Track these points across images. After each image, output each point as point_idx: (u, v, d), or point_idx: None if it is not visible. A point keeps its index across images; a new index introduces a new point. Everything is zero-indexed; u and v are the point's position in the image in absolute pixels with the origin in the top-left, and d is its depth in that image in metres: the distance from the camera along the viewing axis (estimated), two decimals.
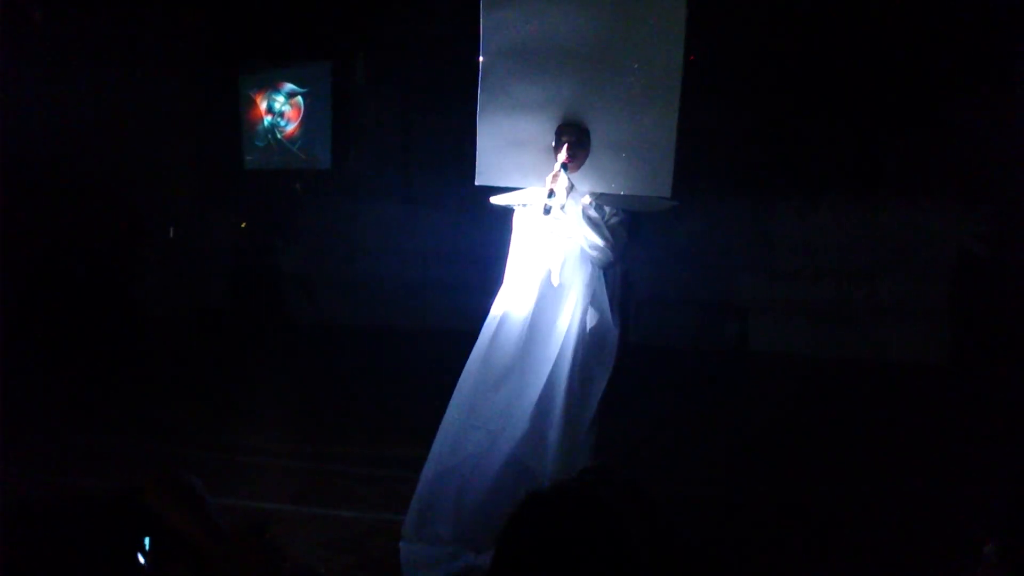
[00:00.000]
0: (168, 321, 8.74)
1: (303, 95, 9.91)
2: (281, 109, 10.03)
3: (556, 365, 3.31)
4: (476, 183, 3.48)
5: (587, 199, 3.35)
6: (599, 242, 3.31)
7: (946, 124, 8.54)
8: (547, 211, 3.17)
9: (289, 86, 9.97)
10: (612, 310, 3.43)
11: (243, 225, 9.73)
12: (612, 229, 3.34)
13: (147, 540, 1.62)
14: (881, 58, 8.40)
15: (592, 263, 3.38)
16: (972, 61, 8.16)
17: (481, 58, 3.32)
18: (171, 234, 9.54)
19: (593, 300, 3.39)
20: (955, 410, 6.07)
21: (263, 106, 10.12)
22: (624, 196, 3.39)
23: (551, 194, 3.18)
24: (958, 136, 8.47)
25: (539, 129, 3.36)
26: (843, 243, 7.67)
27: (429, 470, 3.37)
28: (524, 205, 3.47)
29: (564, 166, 3.24)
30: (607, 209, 3.36)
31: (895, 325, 7.43)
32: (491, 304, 3.49)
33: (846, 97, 8.60)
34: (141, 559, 1.61)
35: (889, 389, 6.66)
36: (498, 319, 3.42)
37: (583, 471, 1.70)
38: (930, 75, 8.34)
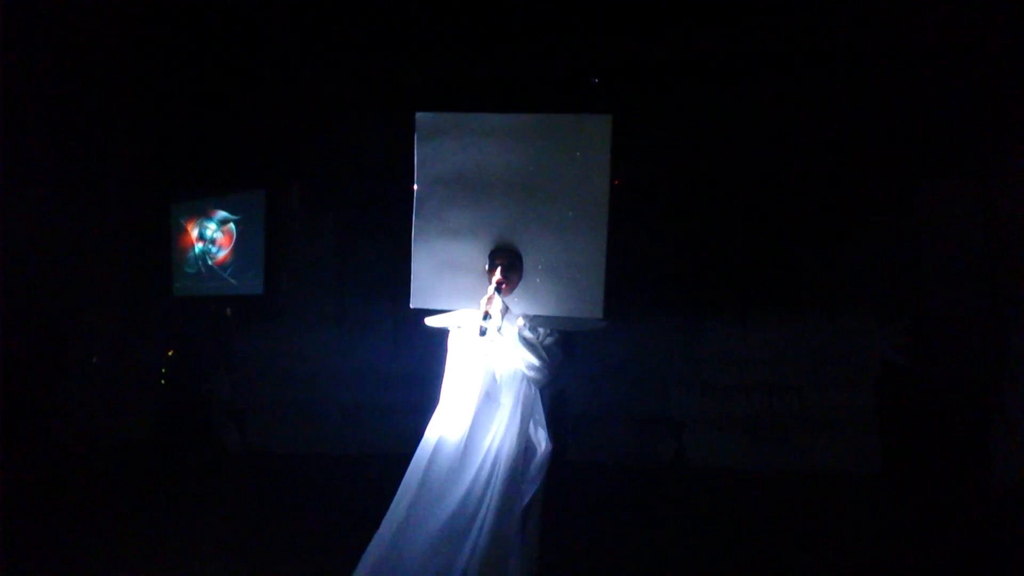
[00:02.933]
0: (91, 456, 8.39)
1: (235, 222, 9.95)
2: (213, 236, 10.04)
3: (494, 484, 3.30)
4: (411, 306, 3.54)
5: (521, 320, 3.43)
6: (535, 362, 3.37)
7: (862, 242, 9.02)
8: (483, 332, 3.24)
9: (221, 213, 10.02)
10: (548, 426, 3.46)
11: (171, 353, 9.53)
12: (547, 349, 3.41)
13: None
14: (799, 182, 8.90)
15: (528, 381, 3.43)
16: (886, 183, 8.71)
17: (416, 186, 3.44)
18: (95, 363, 9.27)
19: (529, 418, 3.42)
20: (887, 518, 6.16)
21: (194, 233, 10.12)
22: (557, 317, 3.47)
23: (487, 316, 3.24)
24: (874, 253, 8.94)
25: (473, 253, 3.46)
26: (770, 357, 7.87)
27: None
28: (459, 327, 3.53)
29: (498, 289, 3.32)
30: (541, 330, 3.44)
31: (825, 435, 7.57)
32: (427, 425, 3.49)
33: (767, 219, 9.04)
34: None
35: (822, 500, 6.73)
36: (434, 440, 3.41)
37: None
38: (846, 197, 8.85)
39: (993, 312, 8.23)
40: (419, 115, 3.41)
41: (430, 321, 3.61)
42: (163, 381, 9.36)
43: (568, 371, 7.57)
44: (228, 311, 9.77)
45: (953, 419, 7.45)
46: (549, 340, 3.43)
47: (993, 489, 6.69)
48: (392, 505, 3.36)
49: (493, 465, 3.33)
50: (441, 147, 3.40)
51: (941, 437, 7.35)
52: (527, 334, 3.40)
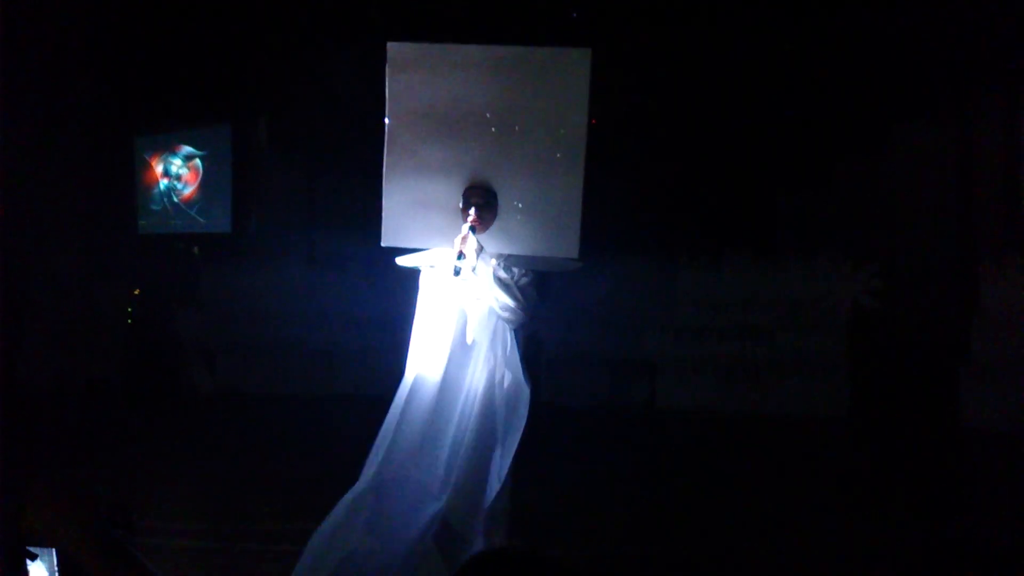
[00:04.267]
0: (56, 395, 8.27)
1: (202, 158, 9.72)
2: (178, 172, 9.81)
3: (469, 426, 3.26)
4: (382, 244, 3.43)
5: (495, 260, 3.34)
6: (510, 303, 3.30)
7: (836, 187, 9.03)
8: (457, 272, 3.16)
9: (187, 148, 9.77)
10: (524, 368, 3.40)
11: (137, 292, 9.36)
12: (522, 289, 3.33)
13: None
14: (775, 126, 8.83)
15: (502, 323, 3.36)
16: (860, 129, 8.67)
17: (387, 120, 3.30)
18: (59, 302, 9.08)
19: (505, 359, 3.36)
20: (855, 459, 6.25)
21: (159, 169, 9.88)
22: (532, 257, 3.40)
23: (461, 256, 3.15)
24: (847, 198, 8.96)
25: (446, 191, 3.34)
26: (744, 301, 7.89)
27: (319, 540, 3.23)
28: (432, 266, 3.44)
29: (472, 228, 3.22)
30: (516, 270, 3.36)
31: (796, 378, 7.64)
32: (400, 368, 3.42)
33: (743, 162, 8.99)
34: None
35: (792, 441, 6.81)
36: (410, 384, 3.35)
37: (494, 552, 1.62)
38: (820, 142, 8.82)
39: (963, 257, 8.30)
40: (391, 45, 3.25)
41: (402, 260, 3.51)
42: (129, 321, 9.21)
43: (542, 312, 7.54)
44: (196, 249, 9.59)
45: (922, 362, 7.54)
46: (524, 280, 3.35)
47: (959, 431, 6.81)
48: (372, 451, 3.30)
49: (468, 408, 3.28)
50: (413, 79, 3.26)
51: (910, 380, 7.44)
52: (502, 274, 3.31)
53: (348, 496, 3.26)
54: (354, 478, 3.31)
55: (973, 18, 7.97)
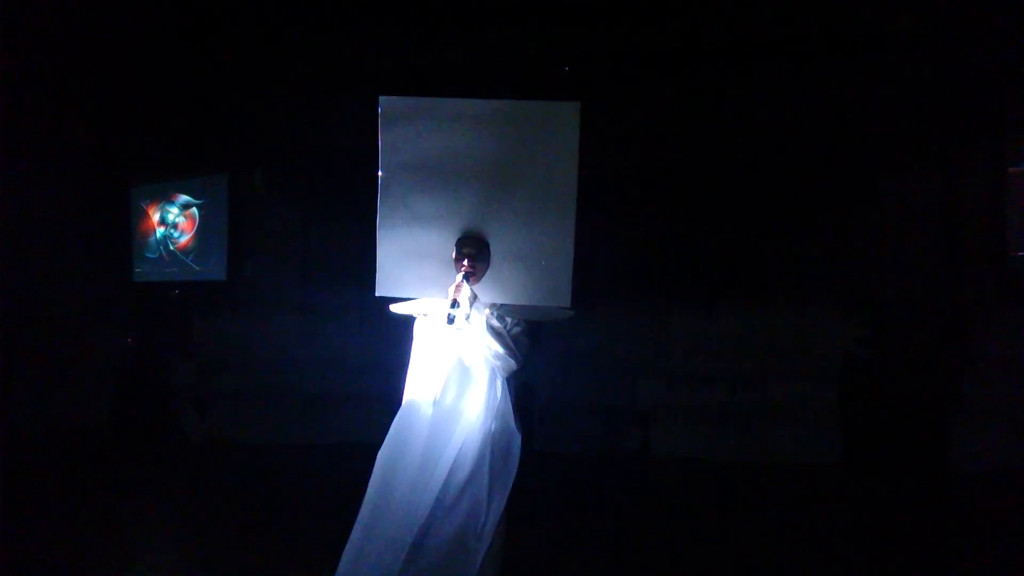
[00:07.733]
0: (46, 441, 8.21)
1: (198, 206, 9.79)
2: (175, 220, 9.87)
3: (460, 474, 3.27)
4: (376, 294, 3.48)
5: (489, 309, 3.38)
6: (502, 351, 3.34)
7: (827, 236, 9.12)
8: (451, 320, 3.20)
9: (184, 197, 9.85)
10: (515, 417, 3.43)
11: (130, 340, 9.35)
12: (515, 338, 3.37)
13: None
14: (765, 175, 8.95)
15: (494, 371, 3.39)
16: (850, 178, 8.80)
17: (380, 172, 3.37)
18: (52, 348, 9.07)
19: (497, 408, 3.38)
20: (848, 507, 6.23)
21: (156, 217, 9.95)
22: (525, 306, 3.44)
23: (455, 304, 3.20)
24: (837, 247, 9.04)
25: (439, 241, 3.40)
26: (735, 348, 7.90)
27: None
28: (425, 315, 3.48)
29: (466, 277, 3.27)
30: (508, 319, 3.40)
31: (788, 426, 7.63)
32: (394, 416, 3.44)
33: (733, 211, 9.10)
34: None
35: (785, 490, 6.78)
36: (402, 429, 3.37)
37: None
38: (810, 190, 8.93)
39: (953, 305, 8.36)
40: (383, 99, 3.34)
41: (395, 308, 3.55)
42: (123, 368, 9.17)
43: (534, 360, 7.54)
44: (175, 292, 9.57)
45: (913, 411, 7.55)
46: (516, 330, 3.40)
47: (952, 479, 6.79)
48: (365, 501, 3.31)
49: (460, 455, 3.30)
50: (406, 132, 3.34)
51: (901, 428, 7.44)
52: (495, 323, 3.36)
53: (353, 542, 3.26)
54: (348, 528, 3.31)
55: (959, 73, 8.14)
